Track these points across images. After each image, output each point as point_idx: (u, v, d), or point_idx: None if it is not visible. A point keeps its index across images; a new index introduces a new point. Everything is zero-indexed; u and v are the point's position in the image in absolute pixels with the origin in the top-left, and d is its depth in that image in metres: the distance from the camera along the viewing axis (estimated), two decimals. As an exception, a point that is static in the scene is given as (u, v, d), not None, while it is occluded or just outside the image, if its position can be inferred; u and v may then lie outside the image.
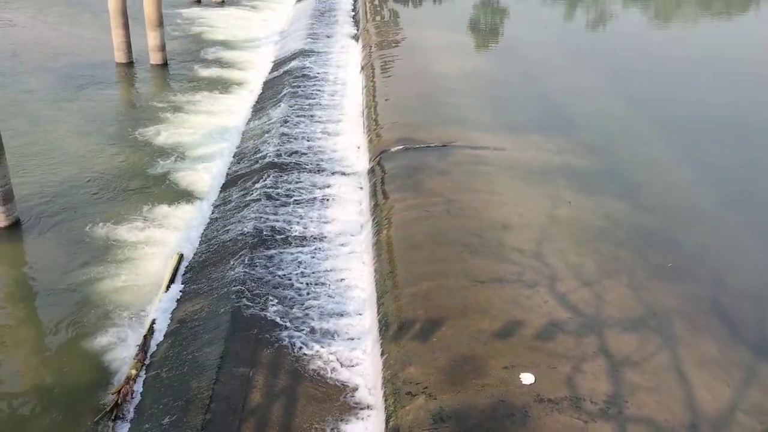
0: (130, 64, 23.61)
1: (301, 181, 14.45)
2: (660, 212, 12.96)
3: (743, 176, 15.16)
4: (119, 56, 23.52)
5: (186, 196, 14.87)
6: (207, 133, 18.20)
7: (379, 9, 29.08)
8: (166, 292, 11.00)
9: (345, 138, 17.02)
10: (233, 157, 16.91)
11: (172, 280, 11.33)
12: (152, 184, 15.41)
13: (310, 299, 10.44)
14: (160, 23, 23.53)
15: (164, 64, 24.00)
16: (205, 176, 15.78)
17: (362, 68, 21.82)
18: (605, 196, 13.28)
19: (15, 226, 13.13)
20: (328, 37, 26.57)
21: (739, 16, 36.17)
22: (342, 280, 11.08)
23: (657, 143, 16.75)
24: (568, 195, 13.10)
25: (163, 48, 23.93)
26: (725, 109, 19.74)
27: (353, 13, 30.52)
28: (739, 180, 14.98)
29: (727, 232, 12.54)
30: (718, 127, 18.25)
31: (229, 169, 16.23)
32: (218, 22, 30.38)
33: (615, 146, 16.17)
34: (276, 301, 10.27)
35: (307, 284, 10.82)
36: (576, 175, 14.11)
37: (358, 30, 27.16)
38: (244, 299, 10.18)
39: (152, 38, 23.62)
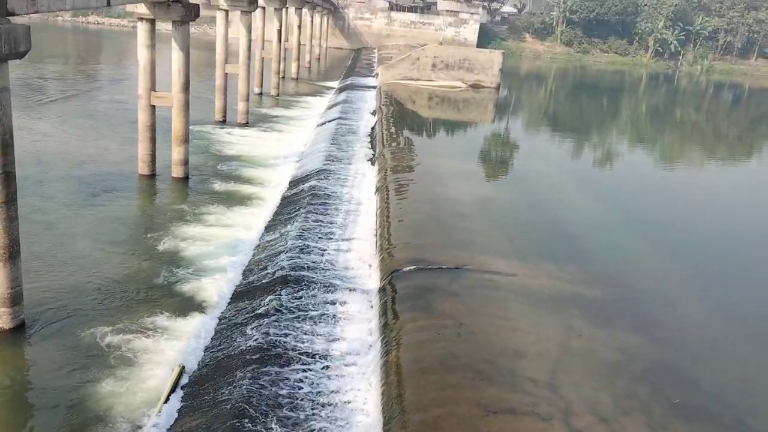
0: (152, 176, 24.36)
1: (311, 297, 14.35)
2: (675, 346, 12.67)
3: (757, 314, 14.95)
4: (142, 168, 24.32)
5: (193, 307, 14.75)
6: (220, 246, 18.38)
7: (395, 136, 30.33)
8: (165, 403, 10.62)
9: (357, 255, 17.10)
10: (245, 270, 16.94)
11: (172, 392, 10.97)
12: (160, 294, 15.35)
13: (312, 422, 10.01)
14: (186, 139, 24.54)
15: (186, 178, 24.75)
16: (214, 288, 15.73)
17: (377, 190, 22.37)
18: (618, 327, 13.07)
19: (20, 328, 12.99)
20: (346, 159, 27.53)
21: (743, 161, 37.36)
22: (348, 402, 10.68)
23: (667, 277, 16.71)
24: (581, 325, 12.89)
25: (186, 162, 24.78)
26: (733, 245, 19.86)
27: (370, 139, 31.78)
28: (754, 318, 14.74)
29: (745, 370, 12.16)
30: (728, 262, 18.27)
31: (239, 282, 16.21)
32: (240, 141, 31.69)
33: (627, 278, 16.13)
34: (278, 422, 9.84)
35: (311, 405, 10.42)
36: (588, 306, 13.97)
37: (374, 154, 28.14)
38: (245, 419, 9.78)
39: (176, 152, 24.53)
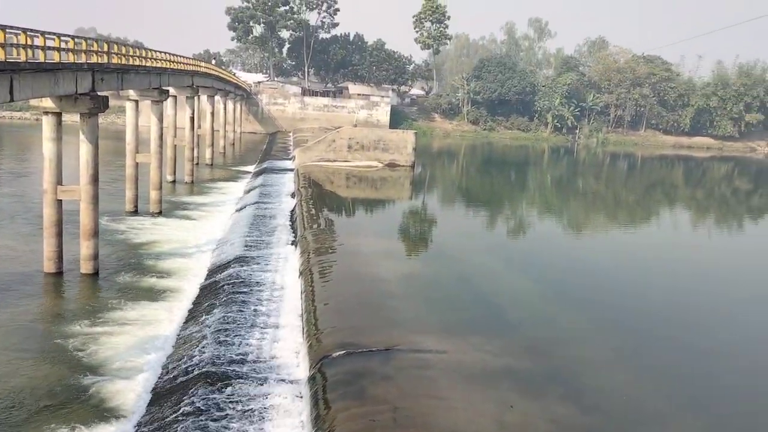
0: (59, 273, 22.94)
1: (235, 393, 13.61)
2: (604, 412, 12.85)
3: (676, 372, 15.45)
4: (48, 266, 22.89)
5: (108, 415, 13.64)
6: (136, 344, 17.30)
7: (315, 217, 30.29)
8: None
9: (283, 344, 16.52)
10: (163, 368, 15.96)
11: None
12: (71, 401, 14.13)
13: None
14: (96, 233, 23.47)
15: (96, 273, 23.47)
16: (131, 391, 14.66)
17: (301, 273, 22.00)
18: (549, 398, 13.13)
19: None
20: (267, 243, 27.06)
21: (645, 225, 39.68)
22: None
23: (590, 342, 17.11)
24: (514, 398, 12.87)
25: (95, 257, 23.58)
26: (650, 308, 20.71)
27: (291, 221, 31.55)
28: (675, 376, 15.22)
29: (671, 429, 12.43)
30: (645, 327, 18.98)
31: (157, 382, 15.21)
32: (153, 231, 30.58)
33: (552, 347, 16.37)
34: None
35: None
36: (519, 378, 14.02)
37: (296, 236, 27.87)
38: None
39: (85, 247, 23.33)
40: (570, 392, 13.47)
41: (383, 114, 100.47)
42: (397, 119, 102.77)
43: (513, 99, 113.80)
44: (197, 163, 50.25)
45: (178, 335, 18.10)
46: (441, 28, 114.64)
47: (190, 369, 15.05)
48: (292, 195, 38.12)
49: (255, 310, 18.85)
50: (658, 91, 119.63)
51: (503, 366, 14.62)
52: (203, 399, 13.10)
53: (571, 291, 22.12)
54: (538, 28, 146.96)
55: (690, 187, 60.41)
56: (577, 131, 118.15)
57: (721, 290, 23.97)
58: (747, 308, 21.53)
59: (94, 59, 23.06)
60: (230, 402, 13.16)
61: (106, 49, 25.01)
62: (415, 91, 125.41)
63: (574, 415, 12.50)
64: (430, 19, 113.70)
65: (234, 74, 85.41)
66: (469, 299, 20.14)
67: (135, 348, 17.03)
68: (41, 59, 19.08)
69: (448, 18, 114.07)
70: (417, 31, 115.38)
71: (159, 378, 15.39)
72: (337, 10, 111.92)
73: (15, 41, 17.59)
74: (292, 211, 33.63)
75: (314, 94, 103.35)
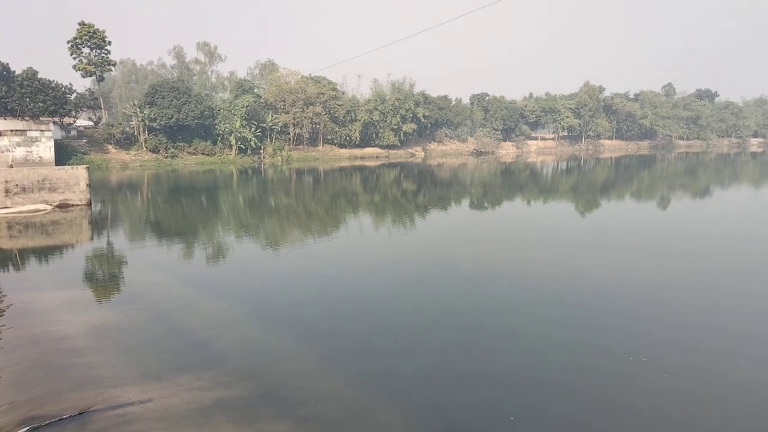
0: None
1: None
2: (321, 422, 13.39)
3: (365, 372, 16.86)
4: None
5: None
6: None
7: (-29, 279, 25.60)
8: None
9: (-55, 440, 13.59)
10: None
11: None
12: None
13: None
14: None
15: None
16: None
17: (-42, 350, 18.35)
18: (263, 420, 13.22)
19: None
20: None
21: (334, 231, 42.61)
22: None
23: (303, 358, 17.68)
24: (228, 428, 12.64)
25: None
26: (350, 316, 22.24)
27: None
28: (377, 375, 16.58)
29: None
30: (347, 335, 20.33)
31: None
32: None
33: (263, 369, 16.49)
34: None
35: None
36: (232, 407, 13.81)
37: (-54, 307, 23.16)
38: None
39: None
40: (283, 409, 13.72)
41: (46, 150, 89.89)
42: (64, 155, 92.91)
43: (193, 124, 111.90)
44: None
45: None
46: (103, 54, 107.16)
47: None
48: (-63, 256, 31.67)
49: None
50: (328, 108, 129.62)
51: (215, 399, 14.24)
52: None
53: (275, 309, 22.57)
54: (208, 52, 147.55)
55: (368, 193, 66.61)
56: (262, 151, 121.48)
57: (374, 284, 26.94)
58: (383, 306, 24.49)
59: None
60: None
61: None
62: (82, 122, 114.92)
63: (289, 430, 12.76)
64: (88, 44, 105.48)
65: None
66: (172, 337, 19.15)
67: None
68: None
69: (110, 43, 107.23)
70: (75, 58, 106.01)
71: None
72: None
73: None
74: (-61, 275, 27.94)
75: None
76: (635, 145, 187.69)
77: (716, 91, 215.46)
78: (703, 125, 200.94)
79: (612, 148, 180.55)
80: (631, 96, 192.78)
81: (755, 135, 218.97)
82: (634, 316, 21.20)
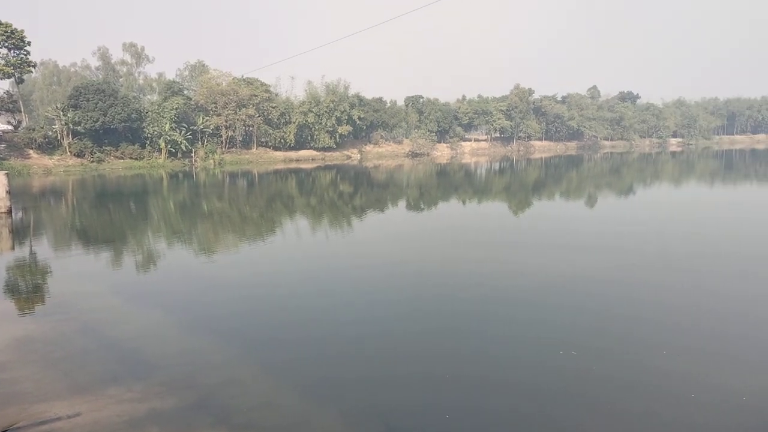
0: None
1: None
2: (258, 430, 13.29)
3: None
4: None
5: None
6: None
7: None
8: None
9: None
10: None
11: None
12: None
13: None
14: None
15: None
16: None
17: None
18: (198, 429, 13.01)
19: None
20: None
21: (270, 235, 42.14)
22: None
23: (241, 365, 17.44)
24: (165, 440, 12.35)
25: None
26: (294, 322, 22.07)
27: None
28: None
29: None
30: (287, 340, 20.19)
31: None
32: None
33: (198, 377, 16.17)
34: None
35: None
36: (166, 418, 13.50)
37: None
38: None
39: None
40: (219, 418, 13.51)
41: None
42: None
43: (120, 127, 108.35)
44: None
45: None
46: (22, 55, 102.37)
47: None
48: None
49: None
50: (262, 111, 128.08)
51: (148, 410, 13.87)
52: None
53: (208, 317, 22.16)
54: (135, 53, 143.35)
55: (305, 196, 66.27)
56: (193, 155, 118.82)
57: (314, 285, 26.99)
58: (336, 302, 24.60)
59: None
60: None
61: None
62: (1, 126, 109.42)
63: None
64: (6, 45, 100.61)
65: None
66: (101, 348, 18.50)
67: None
68: None
69: (29, 44, 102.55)
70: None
71: None
72: None
73: None
74: None
75: None
76: (564, 145, 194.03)
77: (638, 94, 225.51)
78: (626, 126, 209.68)
79: (542, 148, 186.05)
80: (559, 98, 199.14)
81: (674, 135, 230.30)
82: (564, 311, 21.94)
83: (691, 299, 23.40)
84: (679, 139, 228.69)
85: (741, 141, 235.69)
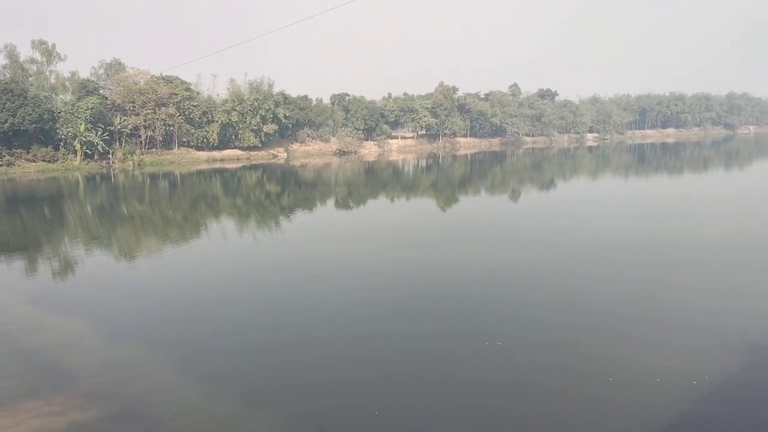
0: None
1: None
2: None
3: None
4: None
5: None
6: None
7: None
8: None
9: None
10: None
11: None
12: None
13: None
14: None
15: None
16: None
17: None
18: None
19: None
20: None
21: (195, 238, 41.11)
22: None
23: (157, 374, 17.01)
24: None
25: None
26: (214, 329, 21.65)
27: None
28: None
29: None
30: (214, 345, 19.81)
31: None
32: None
33: (124, 386, 15.68)
34: None
35: None
36: (87, 430, 13.03)
37: None
38: None
39: None
40: (141, 427, 13.18)
41: None
42: None
43: (31, 128, 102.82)
44: None
45: None
46: None
47: None
48: None
49: None
50: (183, 110, 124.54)
51: (68, 423, 13.37)
52: None
53: (128, 324, 21.48)
54: (45, 50, 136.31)
55: (230, 196, 65.02)
56: (111, 156, 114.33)
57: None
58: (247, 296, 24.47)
59: None
60: None
61: None
62: None
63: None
64: None
65: None
66: (17, 360, 17.64)
67: None
68: None
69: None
70: None
71: None
72: None
73: None
74: None
75: None
76: (488, 142, 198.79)
77: (556, 91, 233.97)
78: (546, 122, 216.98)
79: (467, 145, 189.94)
80: (482, 96, 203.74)
81: (591, 130, 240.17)
82: (490, 304, 22.58)
83: (607, 287, 24.60)
84: (595, 135, 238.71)
85: (652, 135, 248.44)
